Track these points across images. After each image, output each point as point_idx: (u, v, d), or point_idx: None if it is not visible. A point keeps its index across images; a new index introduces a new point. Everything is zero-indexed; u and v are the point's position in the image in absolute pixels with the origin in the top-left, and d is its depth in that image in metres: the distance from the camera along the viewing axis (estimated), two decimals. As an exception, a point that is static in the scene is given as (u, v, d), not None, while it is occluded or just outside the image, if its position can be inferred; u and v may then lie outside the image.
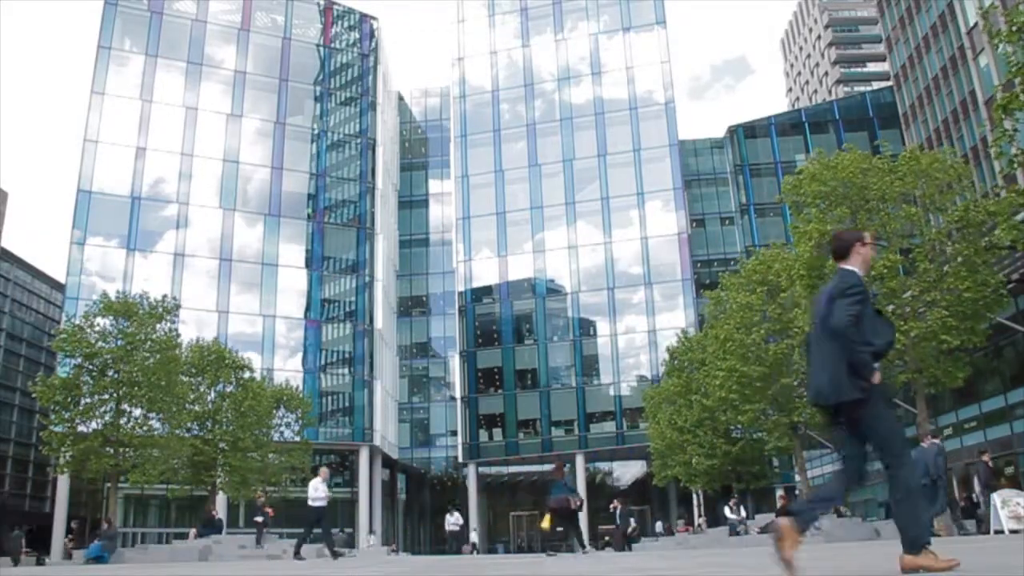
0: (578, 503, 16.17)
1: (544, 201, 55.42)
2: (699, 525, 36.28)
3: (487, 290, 56.33)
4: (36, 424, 52.43)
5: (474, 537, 46.74)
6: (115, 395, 27.10)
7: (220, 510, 34.79)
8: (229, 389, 32.85)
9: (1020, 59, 14.01)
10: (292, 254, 51.60)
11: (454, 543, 29.27)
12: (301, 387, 44.06)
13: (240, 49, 53.26)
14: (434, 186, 68.14)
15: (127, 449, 27.25)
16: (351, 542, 41.83)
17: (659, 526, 40.58)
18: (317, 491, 16.38)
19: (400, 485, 61.86)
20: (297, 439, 36.58)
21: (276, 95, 53.42)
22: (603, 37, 58.44)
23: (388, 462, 56.48)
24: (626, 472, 55.03)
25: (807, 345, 4.67)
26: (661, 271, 52.70)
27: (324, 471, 17.22)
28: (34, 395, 28.20)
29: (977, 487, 18.76)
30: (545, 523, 16.28)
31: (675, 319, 50.16)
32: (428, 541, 60.65)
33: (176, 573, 10.69)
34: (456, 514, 28.04)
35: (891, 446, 4.33)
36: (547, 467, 56.15)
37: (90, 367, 27.20)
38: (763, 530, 21.76)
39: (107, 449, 26.80)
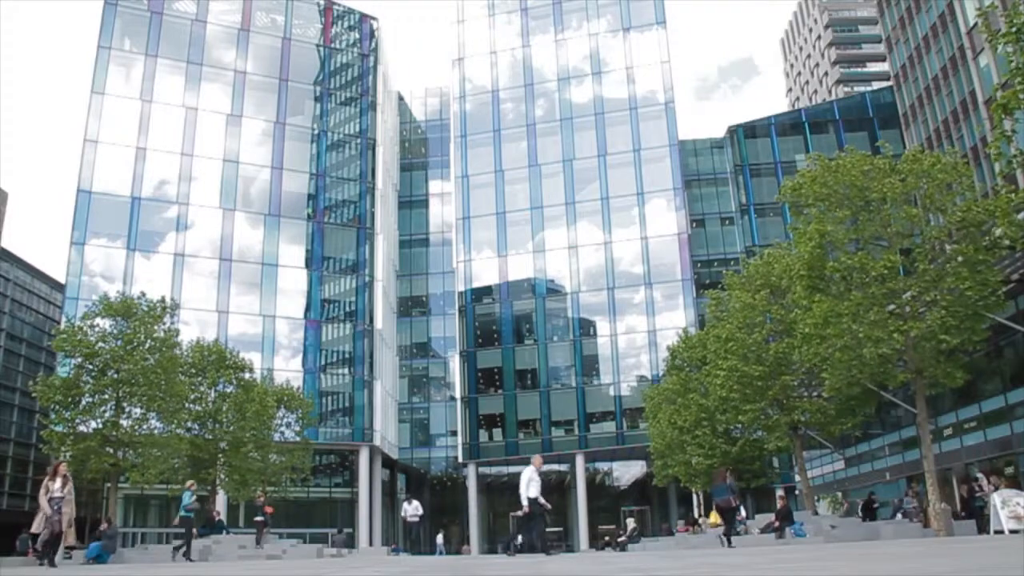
0: (736, 502, 18.79)
1: (544, 201, 55.44)
2: (699, 525, 36.25)
3: (487, 290, 56.34)
4: (36, 424, 52.45)
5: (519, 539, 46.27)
6: (115, 394, 27.11)
7: (220, 510, 34.79)
8: (229, 389, 32.87)
9: (1019, 60, 14.00)
10: (292, 254, 51.62)
11: (416, 537, 27.19)
12: (301, 387, 44.07)
13: (240, 49, 53.28)
14: (434, 186, 68.18)
15: (127, 449, 27.26)
16: (350, 542, 41.83)
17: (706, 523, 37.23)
18: (533, 483, 14.88)
19: (400, 485, 61.88)
20: (297, 439, 36.60)
21: (276, 95, 53.44)
22: (603, 37, 58.46)
23: (388, 462, 56.50)
24: (626, 472, 55.05)
25: None
26: (661, 271, 52.72)
27: (538, 459, 15.73)
28: (34, 395, 28.20)
29: None
30: (712, 518, 18.17)
31: (675, 319, 50.20)
32: (429, 541, 60.64)
33: (176, 573, 10.69)
34: (415, 503, 25.59)
35: None
36: (547, 467, 56.22)
37: (90, 367, 27.21)
38: (764, 530, 21.75)
39: (107, 449, 26.81)
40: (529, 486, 14.87)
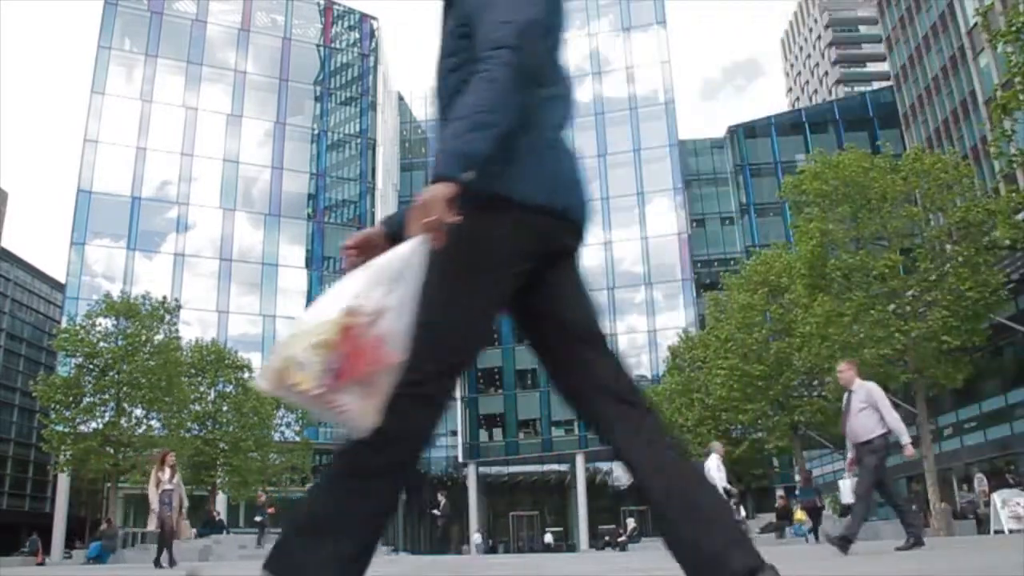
0: (822, 503, 19.89)
1: (544, 201, 55.36)
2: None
3: (487, 290, 56.27)
4: (36, 424, 52.53)
5: (548, 538, 46.20)
6: (115, 395, 27.14)
7: (220, 510, 34.83)
8: (229, 389, 32.87)
9: (1019, 59, 14.02)
10: (292, 254, 51.62)
11: None
12: (301, 387, 43.99)
13: (240, 49, 53.27)
14: (434, 186, 68.04)
15: (127, 449, 27.29)
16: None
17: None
18: (721, 471, 14.23)
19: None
20: (297, 439, 36.59)
21: (276, 95, 53.43)
22: (603, 37, 58.44)
23: (388, 462, 56.44)
24: (626, 472, 55.01)
25: None
26: (661, 271, 52.70)
27: (718, 446, 15.03)
28: (34, 395, 28.24)
29: None
30: (799, 516, 18.89)
31: (675, 319, 50.17)
32: (429, 541, 60.65)
33: (176, 573, 10.71)
34: None
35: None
36: (547, 467, 56.21)
37: (91, 367, 27.23)
38: (764, 530, 21.77)
39: (107, 449, 26.84)
40: (720, 474, 14.44)
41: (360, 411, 1.53)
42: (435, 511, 24.89)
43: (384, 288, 1.52)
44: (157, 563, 12.60)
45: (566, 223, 1.85)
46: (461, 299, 1.69)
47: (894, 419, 7.56)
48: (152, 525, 12.36)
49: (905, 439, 7.56)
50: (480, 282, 1.70)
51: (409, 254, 1.54)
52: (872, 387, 7.83)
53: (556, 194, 1.80)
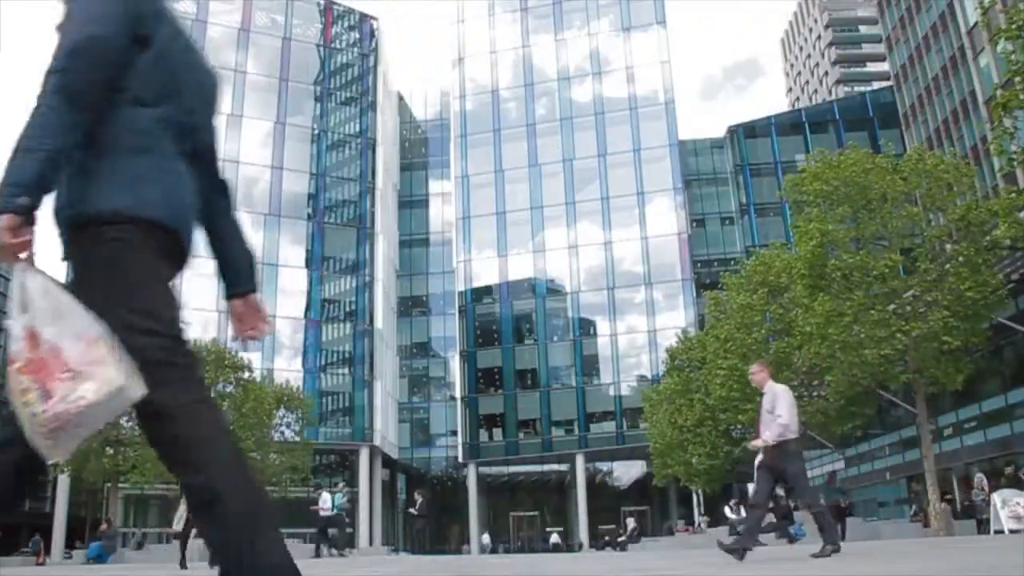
0: (847, 503, 20.37)
1: (544, 201, 55.42)
2: (699, 525, 36.29)
3: (487, 290, 56.32)
4: (36, 424, 52.49)
5: (554, 538, 46.15)
6: (115, 395, 27.16)
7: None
8: (228, 389, 32.88)
9: (1020, 57, 14.02)
10: (292, 254, 51.58)
11: (327, 538, 20.79)
12: (301, 387, 44.06)
13: (240, 49, 53.25)
14: (434, 186, 68.14)
15: (127, 449, 27.30)
16: (352, 541, 41.81)
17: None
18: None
19: (400, 485, 61.84)
20: (297, 439, 36.58)
21: (276, 95, 53.41)
22: (603, 37, 58.45)
23: (388, 462, 56.49)
24: (626, 472, 55.05)
25: None
26: (661, 271, 52.70)
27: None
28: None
29: None
30: None
31: (675, 319, 50.16)
32: (429, 541, 60.61)
33: (176, 573, 10.71)
34: (324, 494, 20.66)
35: None
36: (547, 467, 56.21)
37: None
38: (764, 530, 21.76)
39: (107, 449, 26.85)
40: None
41: (97, 386, 1.64)
42: (411, 510, 24.69)
43: (18, 319, 1.67)
44: (182, 564, 12.68)
45: (176, 241, 2.01)
46: (125, 314, 1.82)
47: (783, 415, 7.59)
48: (177, 525, 12.18)
49: (766, 435, 7.55)
50: (125, 296, 1.86)
51: (17, 282, 1.67)
52: (779, 391, 7.86)
53: (157, 209, 1.94)
